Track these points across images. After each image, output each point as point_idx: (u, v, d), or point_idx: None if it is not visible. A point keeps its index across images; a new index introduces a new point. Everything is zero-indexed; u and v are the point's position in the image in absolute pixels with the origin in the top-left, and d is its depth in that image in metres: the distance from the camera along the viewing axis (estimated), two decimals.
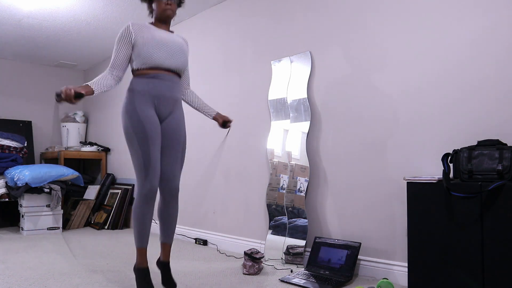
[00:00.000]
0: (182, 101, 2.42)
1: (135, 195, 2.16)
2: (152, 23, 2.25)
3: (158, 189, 2.20)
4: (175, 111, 2.23)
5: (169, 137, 2.20)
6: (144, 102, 2.10)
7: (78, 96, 1.91)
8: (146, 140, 2.06)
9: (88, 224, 4.77)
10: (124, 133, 2.13)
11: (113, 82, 2.11)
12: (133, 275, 2.57)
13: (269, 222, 3.07)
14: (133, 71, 2.19)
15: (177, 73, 2.24)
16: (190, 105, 2.45)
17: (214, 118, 2.45)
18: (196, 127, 3.89)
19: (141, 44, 2.10)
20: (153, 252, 3.18)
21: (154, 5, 2.20)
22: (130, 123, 2.08)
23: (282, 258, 2.88)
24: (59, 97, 1.90)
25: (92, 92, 2.00)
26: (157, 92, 2.13)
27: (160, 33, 2.18)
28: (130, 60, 2.18)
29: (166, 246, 2.29)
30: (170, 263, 2.33)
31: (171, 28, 4.34)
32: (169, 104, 2.19)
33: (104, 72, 2.12)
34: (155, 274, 2.52)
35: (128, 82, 2.13)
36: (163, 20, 2.24)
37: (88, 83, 2.03)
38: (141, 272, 2.16)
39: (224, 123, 2.46)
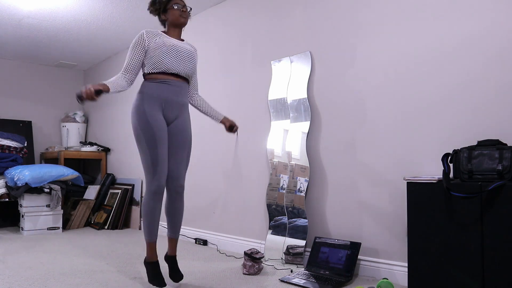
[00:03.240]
0: (190, 106, 2.54)
1: (144, 192, 2.25)
2: (164, 32, 2.38)
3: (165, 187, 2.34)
4: (182, 114, 2.37)
5: (175, 138, 2.34)
6: (152, 105, 2.25)
7: (98, 92, 1.98)
8: (154, 140, 2.20)
9: (88, 224, 4.76)
10: (133, 132, 2.28)
11: (126, 84, 2.24)
12: (133, 274, 2.58)
13: (269, 222, 3.07)
14: (144, 75, 2.33)
15: (186, 79, 2.38)
16: (198, 109, 2.56)
17: (222, 122, 2.54)
18: (196, 127, 3.88)
19: (153, 49, 2.25)
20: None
21: (167, 15, 2.35)
22: (139, 124, 2.23)
23: (282, 258, 2.88)
24: (81, 98, 1.95)
25: (108, 90, 2.07)
26: (165, 96, 2.27)
27: (171, 40, 2.32)
28: (142, 65, 2.31)
29: (173, 240, 2.43)
30: (176, 257, 2.46)
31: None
32: (176, 108, 2.33)
33: (118, 74, 2.25)
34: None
35: (139, 85, 2.28)
36: (177, 27, 2.38)
37: (104, 82, 2.11)
38: (152, 265, 2.30)
39: (231, 127, 2.53)
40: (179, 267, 2.75)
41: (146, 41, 2.25)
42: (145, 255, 2.35)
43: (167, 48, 2.25)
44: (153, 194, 2.22)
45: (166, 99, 2.27)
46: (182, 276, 2.37)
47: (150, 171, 2.20)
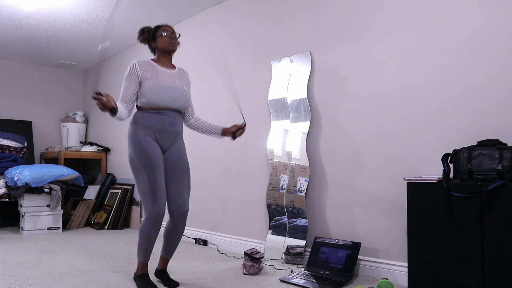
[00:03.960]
0: (189, 129, 2.55)
1: (143, 217, 2.24)
2: (154, 60, 2.36)
3: (169, 212, 2.32)
4: (176, 142, 2.35)
5: (173, 166, 2.32)
6: (146, 134, 2.23)
7: (113, 110, 2.00)
8: (152, 168, 2.19)
9: (88, 224, 4.76)
10: (129, 162, 2.26)
11: (126, 114, 2.22)
12: (133, 274, 2.56)
13: (269, 222, 3.07)
14: (137, 106, 2.31)
15: (180, 111, 2.35)
16: (197, 131, 2.52)
17: (223, 135, 2.49)
18: None
19: (147, 88, 2.23)
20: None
21: (157, 42, 2.34)
22: (135, 153, 2.21)
23: (282, 258, 2.88)
24: (100, 99, 1.93)
25: (116, 114, 2.05)
26: (159, 127, 2.26)
27: (164, 75, 2.30)
28: (137, 95, 2.29)
29: (165, 260, 2.44)
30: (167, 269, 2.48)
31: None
32: (171, 137, 2.32)
33: (118, 103, 2.19)
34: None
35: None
36: (167, 54, 2.37)
37: (116, 102, 2.08)
38: (142, 277, 2.31)
39: (234, 134, 2.47)
40: (177, 269, 2.75)
41: (139, 73, 2.24)
42: (135, 272, 2.35)
43: (161, 89, 2.23)
44: (153, 222, 2.20)
45: (161, 129, 2.25)
46: (178, 283, 2.37)
47: (150, 198, 2.17)
